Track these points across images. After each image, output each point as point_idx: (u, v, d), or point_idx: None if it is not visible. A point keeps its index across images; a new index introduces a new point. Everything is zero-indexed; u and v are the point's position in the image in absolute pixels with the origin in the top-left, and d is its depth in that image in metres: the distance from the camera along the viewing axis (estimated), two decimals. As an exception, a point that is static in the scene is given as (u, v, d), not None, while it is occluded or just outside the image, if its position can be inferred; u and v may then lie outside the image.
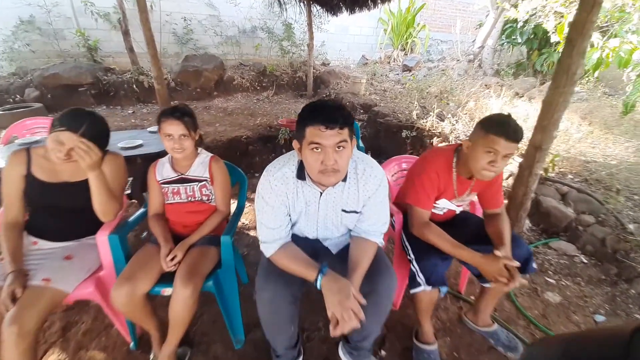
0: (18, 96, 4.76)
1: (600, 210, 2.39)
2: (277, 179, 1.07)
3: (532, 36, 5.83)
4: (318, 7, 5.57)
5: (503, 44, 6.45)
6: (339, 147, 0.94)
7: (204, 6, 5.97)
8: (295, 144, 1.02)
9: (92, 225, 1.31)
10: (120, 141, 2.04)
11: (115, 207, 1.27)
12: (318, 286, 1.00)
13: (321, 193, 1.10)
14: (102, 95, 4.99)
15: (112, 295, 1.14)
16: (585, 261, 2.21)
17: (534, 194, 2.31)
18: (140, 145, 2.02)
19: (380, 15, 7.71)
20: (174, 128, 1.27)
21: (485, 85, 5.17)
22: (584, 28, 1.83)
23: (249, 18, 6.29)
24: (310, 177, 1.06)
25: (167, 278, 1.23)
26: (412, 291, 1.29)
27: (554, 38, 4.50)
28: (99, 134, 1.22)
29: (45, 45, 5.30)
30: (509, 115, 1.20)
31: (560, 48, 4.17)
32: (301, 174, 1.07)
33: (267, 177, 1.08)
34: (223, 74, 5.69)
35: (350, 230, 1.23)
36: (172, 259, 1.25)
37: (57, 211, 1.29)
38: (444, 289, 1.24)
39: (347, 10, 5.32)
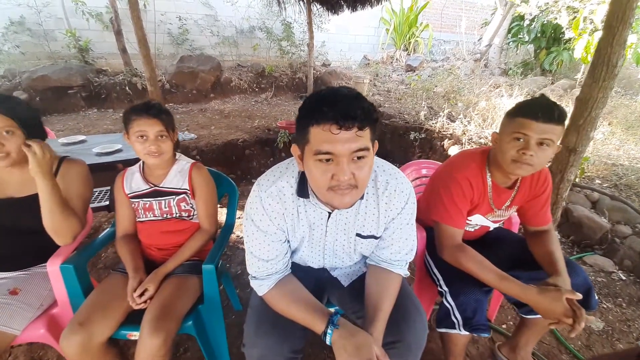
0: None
1: (637, 219, 2.14)
2: (271, 195, 0.81)
3: (540, 34, 5.61)
4: (318, 6, 5.36)
5: (509, 42, 6.23)
6: (358, 157, 0.67)
7: (200, 5, 5.76)
8: (294, 149, 0.75)
9: (44, 250, 1.06)
10: (97, 146, 1.80)
11: (73, 227, 1.02)
12: (327, 341, 0.74)
13: (330, 213, 0.84)
14: (93, 98, 4.78)
15: (61, 345, 0.89)
16: (623, 278, 1.97)
17: (564, 202, 2.06)
18: (119, 150, 1.78)
19: (382, 15, 7.50)
20: (150, 127, 1.04)
21: (494, 86, 4.93)
22: (624, 14, 1.61)
23: (246, 17, 6.08)
24: (316, 196, 0.80)
25: (137, 317, 0.97)
26: (442, 331, 1.04)
27: (568, 34, 4.27)
28: (23, 122, 0.95)
29: (36, 46, 5.09)
30: (541, 95, 0.98)
31: (575, 44, 3.95)
32: (303, 189, 0.81)
33: (258, 193, 0.82)
34: (220, 75, 5.47)
35: (365, 257, 0.98)
36: (142, 294, 0.99)
37: (1, 232, 1.04)
38: (488, 335, 0.98)
39: (348, 8, 5.12)
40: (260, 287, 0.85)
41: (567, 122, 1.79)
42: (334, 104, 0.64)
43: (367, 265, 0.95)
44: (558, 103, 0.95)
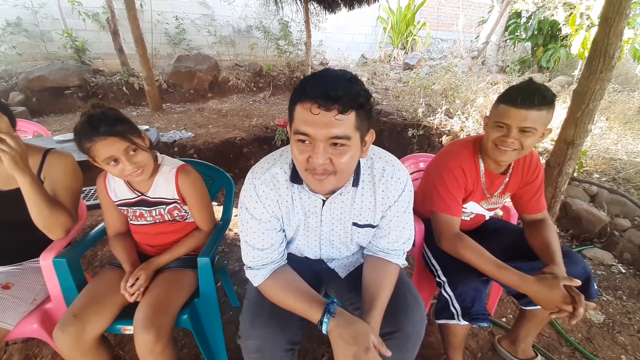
0: (2, 100, 4.53)
1: (636, 212, 2.13)
2: (265, 182, 0.80)
3: (537, 32, 5.62)
4: (315, 5, 5.37)
5: (506, 40, 6.24)
6: (335, 143, 0.64)
7: (197, 5, 5.74)
8: (288, 129, 0.74)
9: (37, 244, 1.04)
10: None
11: (64, 221, 1.00)
12: (324, 330, 0.72)
13: (324, 201, 0.82)
14: (89, 98, 4.76)
15: (54, 336, 0.87)
16: (623, 271, 1.96)
17: (562, 195, 2.05)
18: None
19: (380, 13, 7.50)
20: (113, 147, 0.88)
21: (492, 83, 4.93)
22: (620, 5, 1.60)
23: (243, 17, 6.07)
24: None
25: (132, 311, 0.94)
26: (441, 322, 1.03)
27: (565, 30, 4.28)
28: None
29: (32, 47, 5.07)
30: (529, 79, 0.97)
31: (572, 40, 3.95)
32: (296, 175, 0.79)
33: (252, 181, 0.81)
34: (217, 75, 5.46)
35: (362, 247, 0.97)
36: (134, 285, 0.97)
37: None
38: (487, 324, 0.97)
39: (345, 7, 5.12)
40: (256, 277, 0.84)
41: (560, 110, 1.78)
42: (319, 83, 0.62)
43: (365, 256, 0.94)
44: (546, 86, 0.93)
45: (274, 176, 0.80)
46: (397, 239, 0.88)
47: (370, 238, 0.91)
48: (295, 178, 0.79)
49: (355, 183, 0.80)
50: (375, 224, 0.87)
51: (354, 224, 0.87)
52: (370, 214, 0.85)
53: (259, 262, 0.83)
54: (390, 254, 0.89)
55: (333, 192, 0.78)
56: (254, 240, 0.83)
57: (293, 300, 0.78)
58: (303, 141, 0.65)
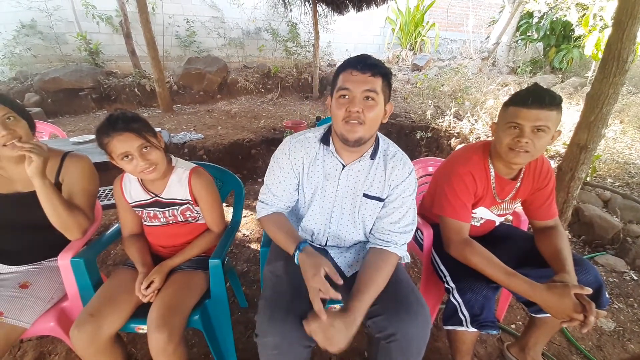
0: (18, 101, 4.65)
1: (651, 218, 2.09)
2: (298, 141, 1.00)
3: (549, 32, 5.52)
4: (324, 6, 5.38)
5: (518, 40, 6.15)
6: (367, 97, 0.84)
7: (207, 8, 5.82)
8: (328, 101, 0.94)
9: (55, 244, 1.07)
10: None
11: (80, 222, 1.04)
12: (296, 261, 0.89)
13: (344, 167, 0.97)
14: (103, 100, 4.87)
15: (71, 335, 0.90)
16: (635, 278, 1.92)
17: (575, 201, 2.02)
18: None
19: (388, 14, 7.47)
20: (127, 143, 0.93)
21: (502, 84, 4.87)
22: (633, 9, 1.58)
23: (252, 19, 6.13)
24: (334, 145, 0.96)
25: (146, 311, 0.97)
26: (449, 328, 1.02)
27: (578, 31, 4.20)
28: (19, 112, 0.96)
29: (47, 49, 5.20)
30: (534, 84, 0.99)
31: (585, 41, 3.88)
32: (326, 137, 0.98)
33: (288, 139, 1.01)
34: (227, 77, 5.52)
35: (367, 243, 1.03)
36: (148, 287, 1.00)
37: (9, 228, 1.06)
38: (496, 332, 0.96)
39: (354, 8, 5.12)
40: (263, 209, 1.04)
41: (574, 113, 1.76)
42: (358, 58, 0.86)
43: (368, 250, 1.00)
44: (552, 90, 0.95)
45: (306, 138, 1.00)
46: (398, 220, 0.97)
47: (375, 217, 1.01)
48: (324, 139, 0.98)
49: (373, 156, 0.97)
50: (383, 198, 0.98)
51: (365, 195, 0.99)
52: (380, 187, 0.98)
53: (269, 201, 1.03)
54: (390, 240, 0.96)
55: (360, 143, 0.89)
56: (271, 184, 1.02)
57: (280, 234, 0.96)
58: (344, 96, 0.85)
